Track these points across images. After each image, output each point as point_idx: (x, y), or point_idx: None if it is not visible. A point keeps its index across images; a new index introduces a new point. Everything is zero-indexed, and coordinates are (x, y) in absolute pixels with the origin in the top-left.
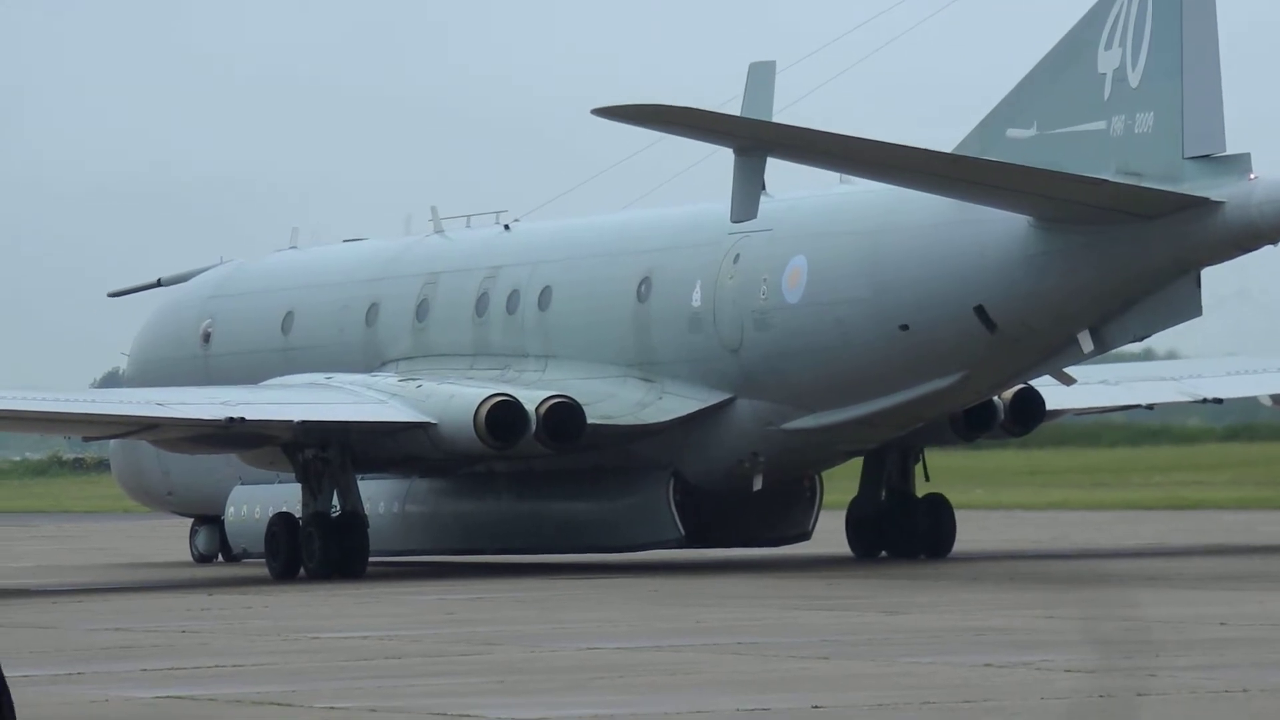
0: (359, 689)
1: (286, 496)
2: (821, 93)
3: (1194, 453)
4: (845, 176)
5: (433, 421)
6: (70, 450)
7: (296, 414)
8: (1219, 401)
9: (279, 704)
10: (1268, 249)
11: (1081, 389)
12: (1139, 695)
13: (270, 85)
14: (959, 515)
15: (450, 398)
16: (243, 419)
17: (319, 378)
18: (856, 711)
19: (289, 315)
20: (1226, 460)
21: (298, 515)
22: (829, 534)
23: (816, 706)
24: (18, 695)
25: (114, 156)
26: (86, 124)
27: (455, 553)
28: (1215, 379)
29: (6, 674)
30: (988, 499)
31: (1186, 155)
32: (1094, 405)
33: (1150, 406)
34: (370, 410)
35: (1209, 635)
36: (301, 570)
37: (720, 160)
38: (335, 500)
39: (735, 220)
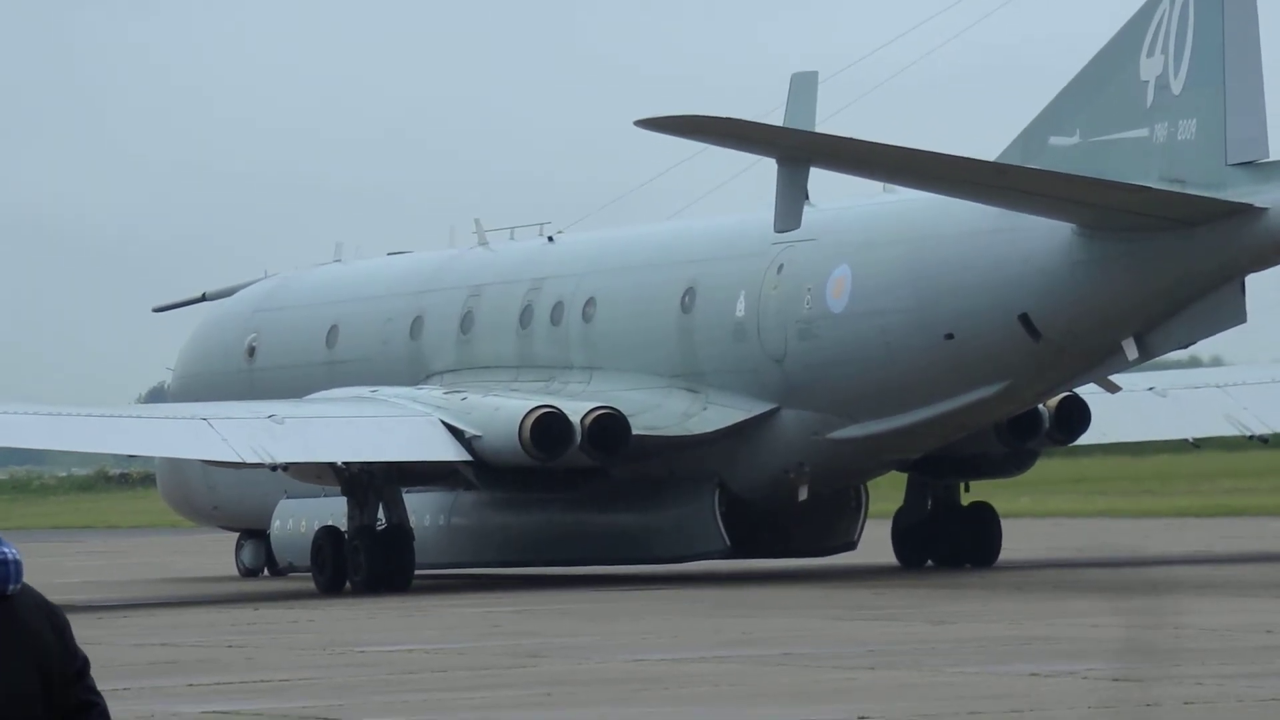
0: (404, 703)
1: (332, 510)
2: (864, 102)
3: (1238, 460)
4: (888, 185)
5: (470, 459)
6: (116, 465)
7: (339, 455)
8: (1265, 441)
9: (324, 718)
10: None
11: (1126, 414)
12: (1186, 704)
13: (316, 99)
14: (1005, 524)
15: (495, 410)
16: (285, 466)
17: (364, 391)
18: None
19: (334, 329)
20: (1271, 468)
21: (343, 529)
22: (875, 544)
23: (863, 717)
24: None
25: (154, 164)
26: (125, 132)
27: (501, 565)
28: (1260, 394)
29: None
30: (1034, 507)
31: (1229, 162)
32: (1138, 439)
33: (1197, 445)
34: (414, 444)
35: (1255, 643)
36: (347, 584)
37: (763, 170)
38: (381, 513)
39: (779, 230)
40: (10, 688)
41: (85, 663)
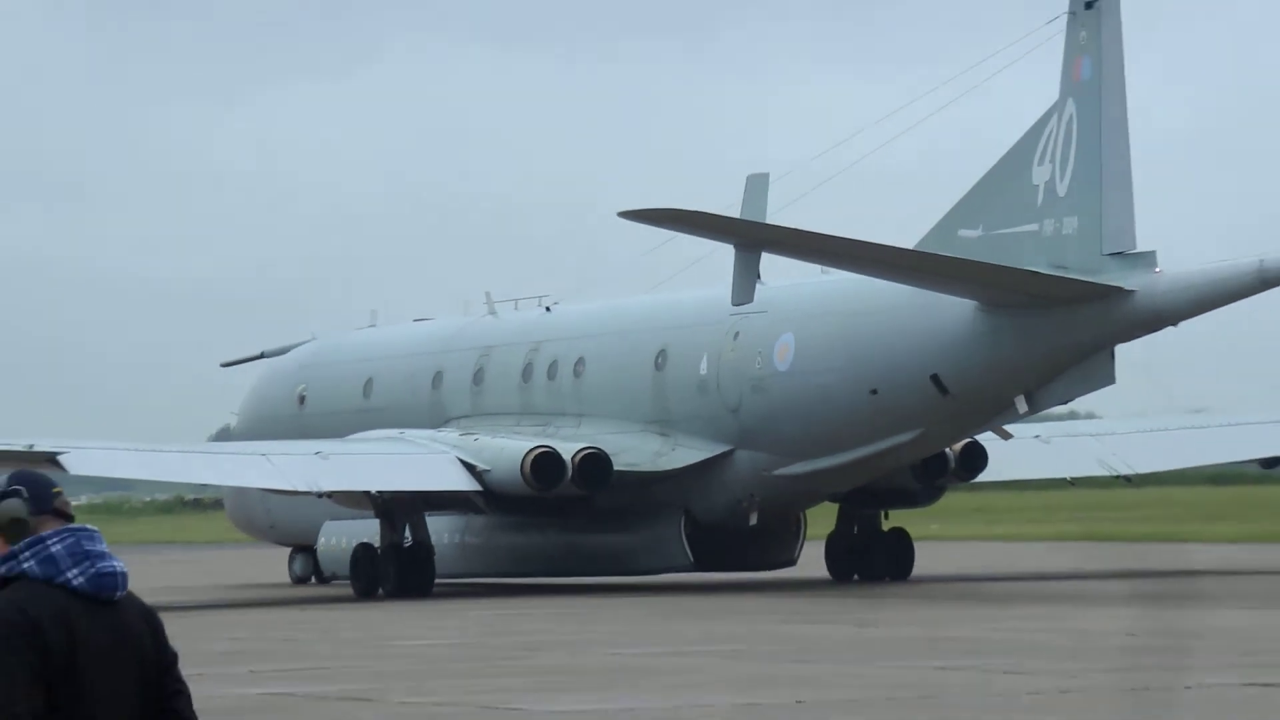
0: (426, 687)
1: (368, 529)
2: (807, 198)
3: (1107, 495)
4: (825, 268)
5: (481, 489)
6: (191, 493)
7: (373, 485)
8: (1129, 480)
9: (361, 699)
10: (1169, 329)
11: (1017, 457)
12: (1061, 693)
13: (351, 195)
14: (917, 546)
15: (501, 449)
16: (330, 493)
17: (393, 433)
18: (832, 706)
19: (369, 381)
20: (1134, 502)
21: (377, 545)
22: (811, 561)
23: (799, 701)
24: None
25: (215, 253)
26: (199, 211)
27: (506, 575)
28: (1126, 442)
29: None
30: (941, 532)
31: (1104, 252)
32: (1028, 477)
33: (1074, 483)
34: (434, 477)
35: (1116, 644)
36: (379, 590)
37: (722, 255)
38: (407, 533)
39: (735, 304)
40: (117, 683)
41: (175, 657)
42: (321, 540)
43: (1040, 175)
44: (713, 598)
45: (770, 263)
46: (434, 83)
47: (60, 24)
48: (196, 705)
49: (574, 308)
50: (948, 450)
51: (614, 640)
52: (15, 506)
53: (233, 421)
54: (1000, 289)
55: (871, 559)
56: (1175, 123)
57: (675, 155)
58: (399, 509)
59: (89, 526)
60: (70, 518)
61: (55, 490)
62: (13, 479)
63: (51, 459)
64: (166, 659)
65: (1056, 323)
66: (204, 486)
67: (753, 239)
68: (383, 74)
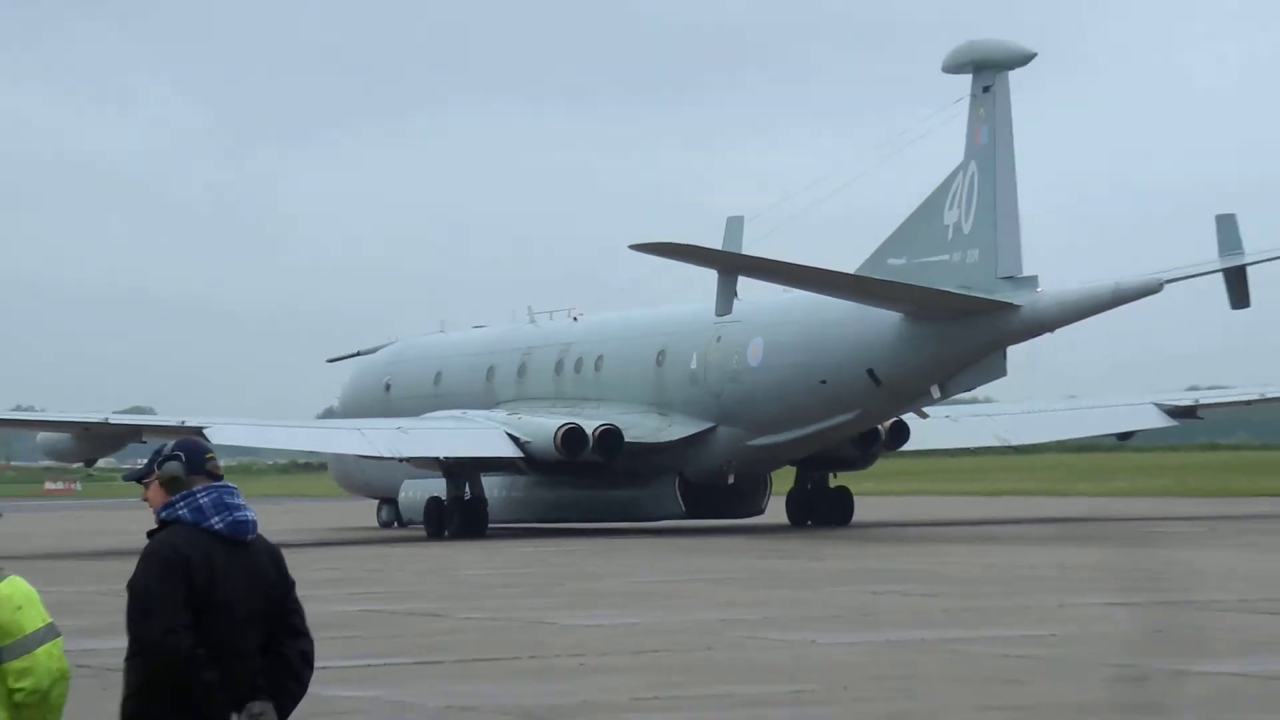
0: (483, 606)
1: (438, 486)
2: (773, 234)
3: (1000, 461)
4: (787, 287)
5: (523, 456)
6: (303, 458)
7: (442, 452)
8: (1016, 450)
9: (433, 615)
10: (1048, 334)
11: (932, 432)
12: (966, 610)
13: (431, 221)
14: (856, 499)
15: (539, 425)
16: (409, 458)
17: (457, 413)
18: (793, 621)
19: (439, 374)
20: (1020, 466)
21: (444, 498)
22: (775, 511)
23: (767, 618)
24: None
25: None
26: (303, 241)
27: (543, 522)
28: (1014, 420)
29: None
30: (874, 489)
31: (999, 276)
32: (940, 447)
33: (975, 452)
34: (488, 446)
35: (1026, 575)
36: (446, 533)
37: (707, 278)
38: (468, 489)
39: (718, 315)
40: (248, 609)
41: (293, 584)
42: (402, 494)
43: (950, 217)
44: (700, 539)
45: (745, 283)
46: (491, 138)
47: (187, 86)
48: (308, 620)
49: (595, 317)
50: (879, 426)
51: (626, 572)
52: (174, 467)
53: (335, 404)
54: (920, 304)
55: (821, 509)
56: (1053, 177)
57: (673, 201)
58: (461, 470)
59: (230, 484)
60: (219, 477)
61: (208, 455)
62: (176, 445)
63: (198, 431)
64: (287, 585)
65: (962, 330)
66: (313, 453)
67: (731, 266)
68: (446, 133)
